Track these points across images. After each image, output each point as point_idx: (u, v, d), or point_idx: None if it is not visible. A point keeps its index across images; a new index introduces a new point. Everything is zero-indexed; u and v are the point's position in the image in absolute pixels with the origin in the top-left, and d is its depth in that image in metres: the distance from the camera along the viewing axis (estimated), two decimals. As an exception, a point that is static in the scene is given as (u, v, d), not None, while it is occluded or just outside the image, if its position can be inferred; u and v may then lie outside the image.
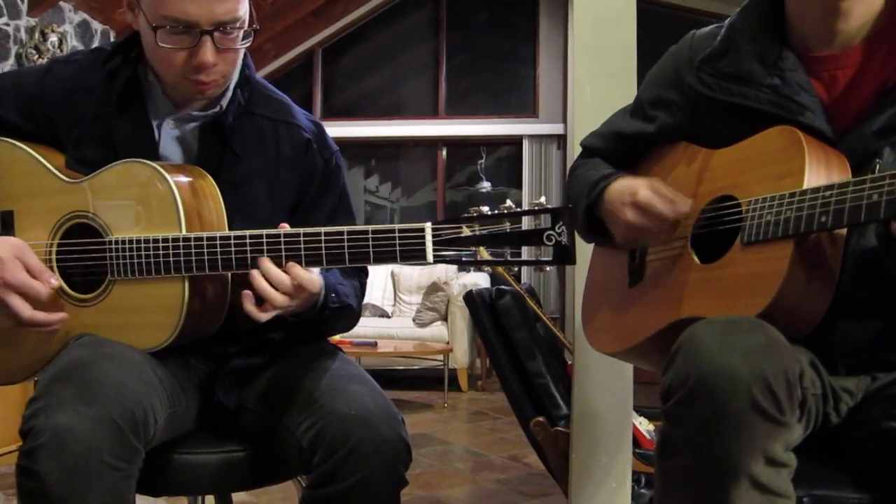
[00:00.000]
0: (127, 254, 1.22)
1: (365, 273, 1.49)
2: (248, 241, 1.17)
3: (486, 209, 1.12)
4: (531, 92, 7.14)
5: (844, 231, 1.02)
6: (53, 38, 4.51)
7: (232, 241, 1.18)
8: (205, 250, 1.19)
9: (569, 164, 5.63)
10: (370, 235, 1.14)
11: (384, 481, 1.15)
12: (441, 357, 5.57)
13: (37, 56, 4.36)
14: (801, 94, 1.11)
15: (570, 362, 2.39)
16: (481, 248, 1.12)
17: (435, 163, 7.49)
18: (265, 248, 1.17)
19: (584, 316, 1.42)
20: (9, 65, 4.24)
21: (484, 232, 1.09)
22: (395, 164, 7.98)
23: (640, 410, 2.53)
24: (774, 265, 1.00)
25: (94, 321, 1.25)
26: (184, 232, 1.21)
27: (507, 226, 1.09)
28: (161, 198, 1.22)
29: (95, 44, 5.01)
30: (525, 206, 6.10)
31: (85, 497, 1.03)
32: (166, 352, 1.24)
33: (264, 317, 1.17)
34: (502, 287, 2.43)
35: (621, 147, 1.38)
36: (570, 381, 1.92)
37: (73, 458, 1.02)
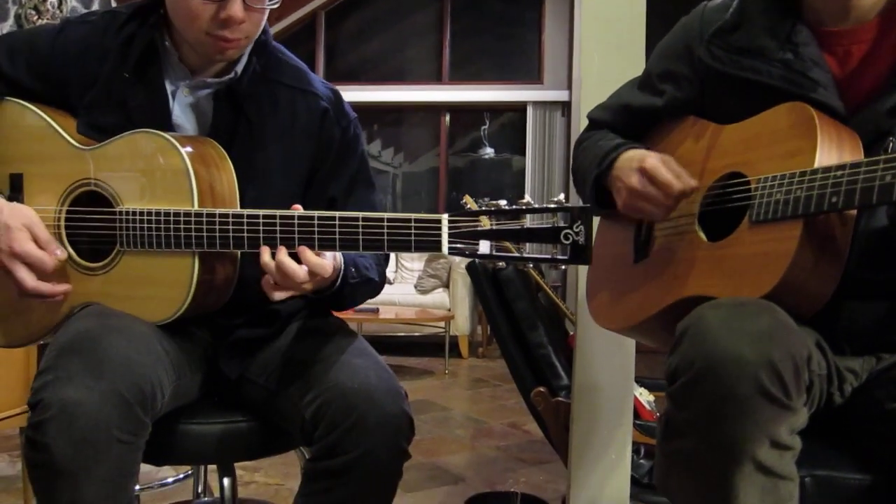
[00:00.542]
0: (137, 225, 1.21)
1: None
2: (261, 220, 1.16)
3: (503, 203, 1.10)
4: (536, 58, 7.07)
5: (854, 211, 1.01)
6: (53, -1, 4.45)
7: (245, 221, 1.17)
8: (216, 227, 1.18)
9: (573, 132, 5.57)
10: (385, 223, 1.12)
11: (386, 455, 1.16)
12: (442, 324, 5.60)
13: (36, 17, 4.31)
14: (814, 69, 1.09)
15: (571, 333, 2.40)
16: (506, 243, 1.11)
17: (438, 128, 7.45)
18: (278, 229, 1.15)
19: (589, 291, 1.42)
20: (7, 25, 4.19)
21: (500, 226, 1.08)
22: (398, 130, 7.93)
23: (640, 381, 2.53)
24: (783, 245, 0.99)
25: (101, 290, 1.25)
26: (196, 206, 1.20)
27: (523, 221, 1.08)
28: (174, 170, 1.21)
29: (95, 4, 4.94)
30: (529, 176, 6.00)
31: (92, 470, 1.03)
32: (172, 323, 1.23)
33: (280, 296, 1.16)
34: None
35: (628, 120, 1.36)
36: (572, 352, 1.92)
37: (82, 431, 1.02)
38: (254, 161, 1.31)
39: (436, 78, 7.28)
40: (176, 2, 1.23)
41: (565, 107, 6.89)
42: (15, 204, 1.23)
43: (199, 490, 1.77)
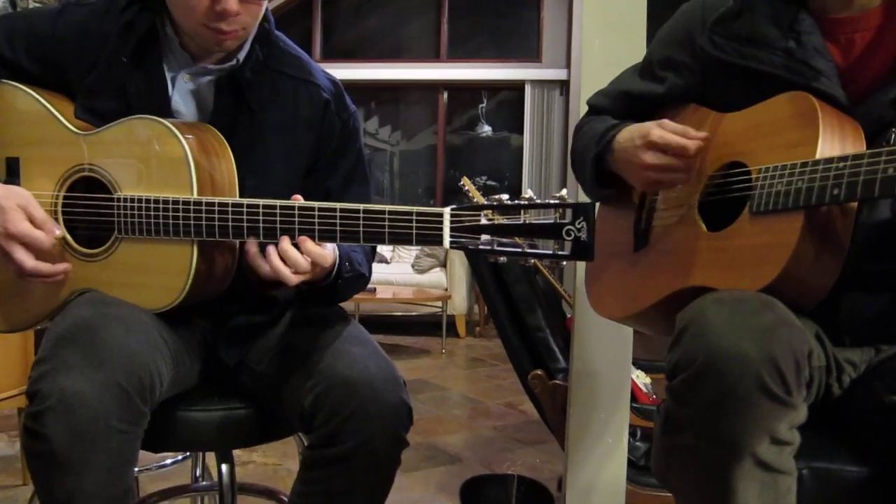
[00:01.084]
0: (135, 212, 1.21)
1: None
2: (261, 211, 1.15)
3: (505, 197, 1.10)
4: (535, 36, 7.02)
5: (856, 202, 1.00)
6: (47, -25, 4.39)
7: (244, 210, 1.16)
8: (216, 216, 1.17)
9: (571, 112, 5.54)
10: (387, 216, 1.11)
11: (385, 444, 1.16)
12: (439, 303, 5.60)
13: (30, -7, 4.26)
14: (817, 58, 1.08)
15: (569, 315, 2.40)
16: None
17: (435, 106, 7.42)
18: (278, 219, 1.15)
19: (588, 279, 1.41)
20: (0, 2, 4.14)
21: (502, 221, 1.08)
22: (396, 107, 7.89)
23: (637, 363, 2.55)
24: (784, 237, 0.99)
25: (98, 277, 1.24)
26: (195, 194, 1.19)
27: (525, 217, 1.08)
28: (173, 158, 1.19)
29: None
30: (526, 155, 5.98)
31: (91, 460, 1.03)
32: (170, 311, 1.23)
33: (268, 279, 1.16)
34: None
35: (628, 107, 1.35)
36: (569, 335, 1.93)
37: (81, 422, 1.02)
38: (254, 150, 1.30)
39: (434, 56, 7.24)
40: None
41: (564, 85, 6.85)
42: (9, 185, 1.22)
43: (198, 474, 1.77)
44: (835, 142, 1.01)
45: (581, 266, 1.66)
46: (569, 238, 1.05)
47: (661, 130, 1.16)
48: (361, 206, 1.12)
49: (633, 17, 1.73)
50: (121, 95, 1.27)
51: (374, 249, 1.46)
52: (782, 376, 0.85)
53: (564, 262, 1.10)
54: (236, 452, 1.47)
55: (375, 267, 5.52)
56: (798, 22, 1.11)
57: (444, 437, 3.28)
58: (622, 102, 1.36)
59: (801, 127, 1.03)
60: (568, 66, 6.79)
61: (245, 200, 1.17)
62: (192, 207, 1.18)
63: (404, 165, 7.96)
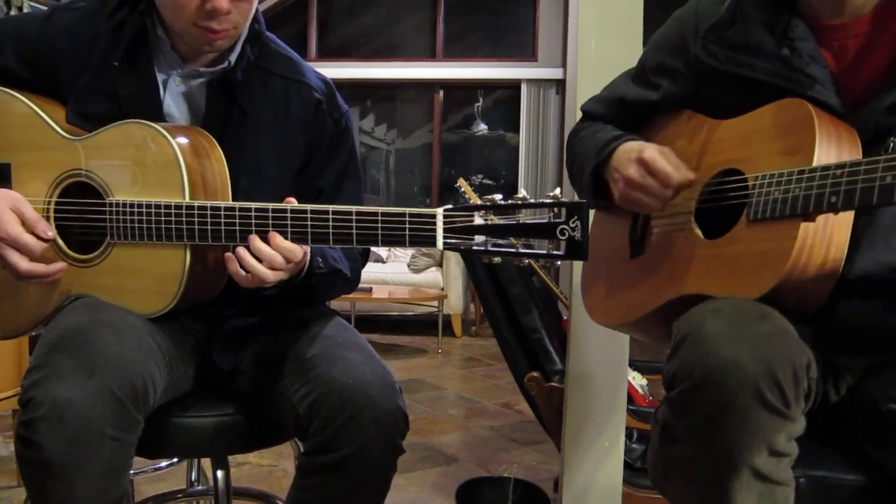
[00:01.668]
0: (127, 217, 1.20)
1: None
2: (253, 214, 1.15)
3: (499, 197, 1.09)
4: (530, 34, 7.01)
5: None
6: (41, -26, 4.37)
7: (237, 214, 1.15)
8: (208, 220, 1.16)
9: (567, 111, 5.52)
10: (380, 217, 1.11)
11: (381, 451, 1.16)
12: (435, 303, 5.60)
13: (23, -6, 4.24)
14: (811, 65, 1.08)
15: (565, 316, 2.40)
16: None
17: (431, 105, 7.41)
18: (271, 222, 1.14)
19: (584, 286, 1.41)
20: (-5, 2, 4.12)
21: (496, 221, 1.07)
22: (391, 106, 7.89)
23: (633, 364, 2.55)
24: (781, 244, 0.98)
25: (92, 282, 1.24)
26: (187, 198, 1.18)
27: (519, 216, 1.07)
28: (164, 161, 1.19)
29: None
30: (522, 153, 5.97)
31: (84, 468, 1.03)
32: (164, 315, 1.23)
33: (249, 286, 1.16)
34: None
35: (623, 113, 1.35)
36: (565, 336, 1.92)
37: (74, 430, 1.01)
38: (246, 151, 1.30)
39: (429, 54, 7.23)
40: None
41: (560, 84, 6.85)
42: (0, 189, 1.22)
43: (193, 478, 1.77)
44: (831, 149, 1.00)
45: (577, 267, 1.66)
46: (563, 237, 1.05)
47: (655, 153, 1.16)
48: (354, 208, 1.12)
49: (630, 19, 1.73)
50: (112, 98, 1.27)
51: (365, 250, 1.45)
52: (780, 388, 0.85)
53: (559, 262, 1.09)
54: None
55: (371, 266, 5.48)
56: (791, 28, 1.10)
57: (440, 437, 3.27)
58: (617, 109, 1.36)
59: (798, 134, 1.03)
60: (564, 65, 6.78)
61: (237, 204, 1.16)
62: (184, 212, 1.17)
63: (400, 164, 7.96)
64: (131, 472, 1.16)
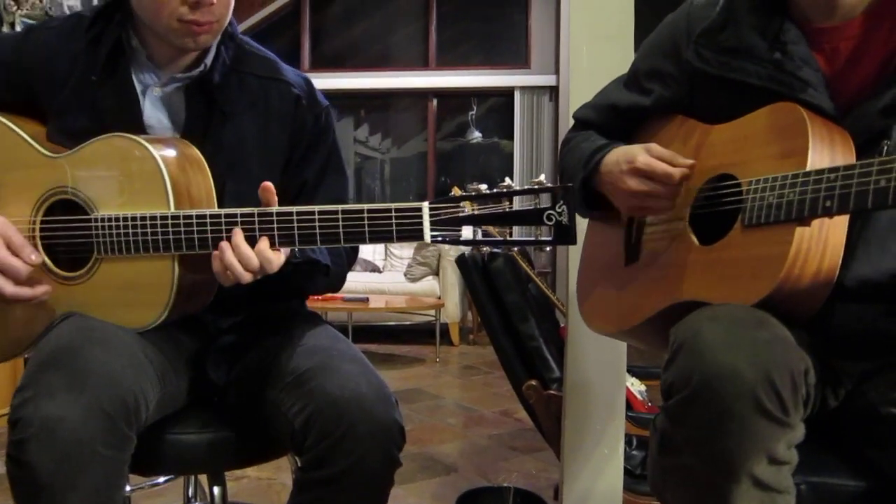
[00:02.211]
0: (113, 231, 1.19)
1: None
2: (238, 219, 1.15)
3: (483, 187, 1.09)
4: (523, 41, 7.02)
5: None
6: (33, -12, 4.37)
7: (223, 220, 1.15)
8: (194, 228, 1.16)
9: (561, 118, 5.52)
10: (366, 214, 1.11)
11: (378, 464, 1.14)
12: (432, 311, 5.59)
13: (15, 7, 4.24)
14: (804, 68, 1.08)
15: (562, 324, 2.39)
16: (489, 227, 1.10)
17: (425, 113, 7.41)
18: (257, 227, 1.14)
19: (580, 294, 1.40)
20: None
21: (483, 211, 1.07)
22: (385, 115, 7.89)
23: (631, 370, 2.54)
24: (777, 249, 0.98)
25: (81, 299, 1.23)
26: (172, 208, 1.18)
27: (505, 205, 1.07)
28: (148, 173, 1.18)
29: (76, -7, 4.87)
30: (517, 160, 5.97)
31: (76, 486, 1.01)
32: (154, 329, 1.22)
33: (225, 284, 1.17)
34: (495, 250, 2.41)
35: (615, 120, 1.34)
36: (563, 343, 1.92)
37: (64, 448, 1.00)
38: (230, 154, 1.30)
39: (422, 63, 7.24)
40: None
41: (553, 91, 6.86)
42: None
43: (190, 493, 1.75)
44: (825, 152, 1.00)
45: (573, 274, 1.65)
46: (550, 223, 1.05)
47: (647, 156, 1.15)
48: (339, 207, 1.12)
49: (621, 26, 1.73)
50: (92, 112, 1.26)
51: (353, 252, 1.45)
52: (779, 396, 0.84)
53: (548, 248, 1.09)
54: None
55: (367, 276, 5.48)
56: (783, 32, 1.10)
57: (439, 446, 3.26)
58: (609, 115, 1.35)
59: (791, 138, 1.02)
60: (557, 71, 6.79)
61: (223, 211, 1.16)
62: (169, 222, 1.17)
63: (395, 172, 7.96)
64: (128, 488, 1.15)
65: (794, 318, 0.98)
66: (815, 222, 0.97)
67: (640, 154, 1.16)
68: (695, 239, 1.14)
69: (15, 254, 1.19)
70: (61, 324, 1.20)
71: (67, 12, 4.69)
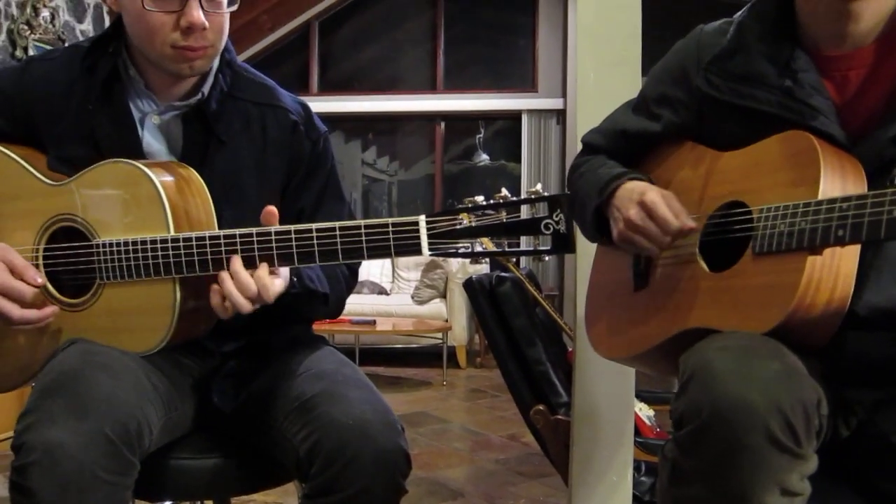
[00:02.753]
0: (115, 256, 1.20)
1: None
2: (237, 239, 1.15)
3: (480, 199, 1.08)
4: (530, 65, 7.06)
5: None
6: (45, 13, 4.42)
7: (222, 241, 1.15)
8: (194, 250, 1.16)
9: (568, 140, 5.53)
10: (363, 231, 1.11)
11: (383, 492, 1.13)
12: (440, 334, 5.57)
13: (28, 31, 4.28)
14: (815, 96, 1.07)
15: (570, 348, 2.38)
16: (484, 238, 1.10)
17: (433, 136, 7.44)
18: (256, 246, 1.14)
19: (588, 319, 1.39)
20: (0, 40, 4.17)
21: (480, 223, 1.07)
22: (393, 138, 7.93)
23: (639, 395, 2.52)
24: (788, 278, 0.97)
25: (84, 325, 1.23)
26: (172, 232, 1.18)
27: (503, 216, 1.07)
28: (147, 198, 1.19)
29: (88, 19, 4.92)
30: (524, 183, 5.99)
31: None
32: (158, 354, 1.22)
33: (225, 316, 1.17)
34: (502, 274, 2.40)
35: (624, 145, 1.34)
36: (570, 368, 1.90)
37: (66, 474, 1.00)
38: (228, 181, 1.30)
39: (430, 86, 7.28)
40: (135, 21, 1.22)
41: (560, 114, 6.88)
42: None
43: (195, 519, 1.74)
44: (836, 181, 0.99)
45: (581, 298, 1.64)
46: (547, 232, 1.04)
47: (657, 197, 1.15)
48: (337, 224, 1.11)
49: (628, 51, 1.73)
50: (91, 141, 1.27)
51: (352, 272, 1.44)
52: (792, 428, 0.83)
53: (546, 258, 1.08)
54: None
55: (374, 298, 5.46)
56: (794, 60, 1.10)
57: (446, 471, 3.23)
58: (618, 140, 1.35)
59: (802, 166, 1.02)
60: (564, 94, 6.82)
61: (221, 232, 1.16)
62: (169, 245, 1.17)
63: (403, 195, 7.98)
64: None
65: (805, 347, 0.97)
66: (827, 251, 0.96)
67: (653, 192, 1.16)
68: (705, 266, 1.13)
69: (18, 277, 1.19)
70: (65, 350, 1.20)
71: (80, 37, 4.75)
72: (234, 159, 1.31)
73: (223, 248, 1.15)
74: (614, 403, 1.79)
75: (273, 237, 1.13)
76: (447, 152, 7.53)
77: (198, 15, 1.18)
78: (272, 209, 1.15)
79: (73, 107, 1.28)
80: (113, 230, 1.21)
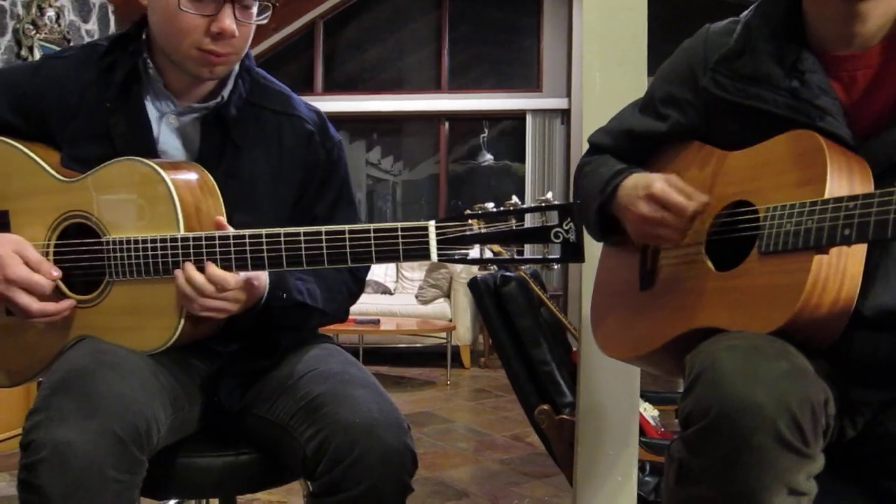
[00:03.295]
0: (125, 254, 1.20)
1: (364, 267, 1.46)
2: (247, 241, 1.15)
3: (490, 205, 1.08)
4: (535, 65, 7.05)
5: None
6: (51, 13, 4.44)
7: (231, 241, 1.16)
8: (203, 251, 1.17)
9: (573, 141, 5.53)
10: (372, 234, 1.11)
11: (389, 491, 1.14)
12: (444, 334, 5.57)
13: (34, 31, 4.30)
14: (822, 96, 1.07)
15: (574, 348, 2.38)
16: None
17: (437, 136, 7.44)
18: (265, 247, 1.14)
19: (594, 319, 1.39)
20: (5, 41, 4.18)
21: (490, 230, 1.07)
22: (398, 138, 7.93)
23: (644, 395, 2.51)
24: (794, 277, 0.97)
25: (93, 323, 1.24)
26: (182, 231, 1.18)
27: (512, 223, 1.07)
28: (158, 197, 1.19)
29: (93, 18, 4.94)
30: (529, 183, 5.98)
31: None
32: (166, 353, 1.22)
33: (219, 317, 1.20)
34: (507, 273, 2.40)
35: (630, 145, 1.34)
36: (575, 367, 1.90)
37: (75, 472, 1.00)
38: (241, 186, 1.30)
39: (435, 86, 7.28)
40: (166, 19, 1.22)
41: (564, 114, 6.87)
42: (1, 233, 1.23)
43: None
44: (843, 180, 0.99)
45: (586, 297, 1.64)
46: (557, 241, 1.04)
47: (665, 185, 1.15)
48: (346, 227, 1.12)
49: (634, 51, 1.73)
50: (106, 140, 1.28)
51: (357, 280, 1.45)
52: (799, 426, 0.83)
53: (556, 266, 1.08)
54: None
55: (379, 298, 5.45)
56: (801, 60, 1.10)
57: (450, 471, 3.23)
58: (624, 140, 1.35)
59: (808, 166, 1.02)
60: (568, 94, 6.81)
61: (231, 232, 1.17)
62: (179, 244, 1.17)
63: (407, 195, 7.98)
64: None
65: (811, 346, 0.97)
66: (833, 250, 0.96)
67: (658, 182, 1.16)
68: (711, 265, 1.13)
69: (34, 270, 1.20)
70: (74, 347, 1.21)
71: (86, 37, 4.76)
72: (249, 165, 1.32)
73: (232, 249, 1.16)
74: (619, 403, 1.79)
75: (283, 239, 1.14)
76: (451, 152, 7.53)
77: (229, 23, 1.19)
78: (220, 220, 1.19)
79: (87, 105, 1.29)
80: (124, 228, 1.22)
